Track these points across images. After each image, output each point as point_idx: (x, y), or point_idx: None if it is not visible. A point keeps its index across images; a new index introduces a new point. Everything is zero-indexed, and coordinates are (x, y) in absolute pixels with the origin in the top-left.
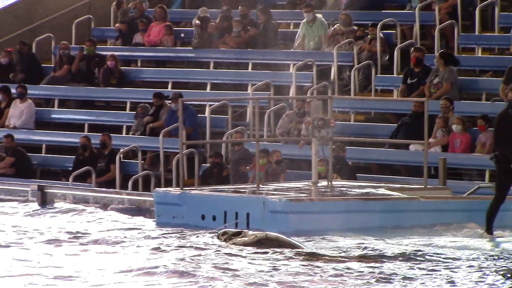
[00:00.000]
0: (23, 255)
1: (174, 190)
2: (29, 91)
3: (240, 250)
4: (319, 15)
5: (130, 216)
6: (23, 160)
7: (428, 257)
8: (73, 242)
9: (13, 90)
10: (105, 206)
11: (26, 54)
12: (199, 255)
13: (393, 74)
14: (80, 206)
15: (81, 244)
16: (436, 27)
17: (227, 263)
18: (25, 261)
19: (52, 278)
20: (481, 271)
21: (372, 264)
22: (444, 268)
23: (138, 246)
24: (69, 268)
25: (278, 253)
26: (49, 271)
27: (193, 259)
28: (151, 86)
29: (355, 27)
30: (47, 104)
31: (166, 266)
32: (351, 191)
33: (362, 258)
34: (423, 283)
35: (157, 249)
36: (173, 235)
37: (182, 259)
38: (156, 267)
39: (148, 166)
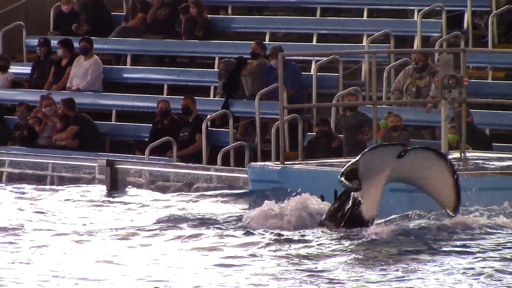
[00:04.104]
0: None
1: (273, 165)
2: (95, 45)
3: None
4: None
5: (219, 197)
6: (88, 130)
7: None
8: (146, 231)
9: (76, 45)
10: (189, 185)
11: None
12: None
13: None
14: (160, 184)
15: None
16: None
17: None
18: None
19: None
20: None
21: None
22: None
23: (226, 234)
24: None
25: None
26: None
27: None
28: (244, 38)
29: None
30: (118, 61)
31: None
32: (488, 164)
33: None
34: None
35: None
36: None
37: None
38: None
39: (241, 136)
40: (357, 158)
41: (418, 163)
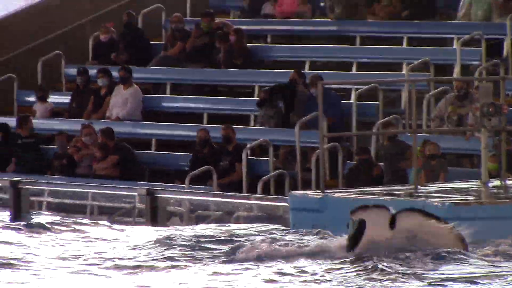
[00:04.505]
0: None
1: (313, 193)
2: (134, 75)
3: None
4: None
5: (259, 226)
6: (128, 159)
7: None
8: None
9: (115, 74)
10: (229, 213)
11: (133, 29)
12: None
13: None
14: (201, 213)
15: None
16: None
17: None
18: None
19: None
20: None
21: None
22: None
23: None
24: None
25: None
26: None
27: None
28: (283, 66)
29: None
30: (157, 90)
31: None
32: None
33: None
34: None
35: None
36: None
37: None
38: None
39: (281, 165)
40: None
41: (412, 231)
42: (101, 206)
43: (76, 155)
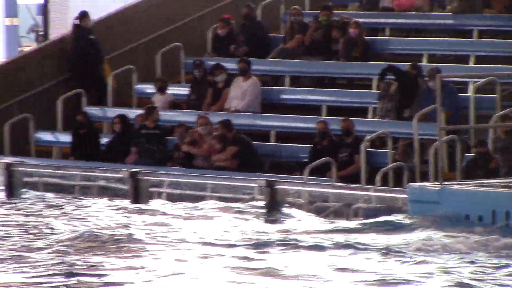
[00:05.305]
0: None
1: (431, 185)
2: (253, 67)
3: None
4: None
5: (378, 217)
6: (247, 151)
7: None
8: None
9: (233, 66)
10: (347, 205)
11: (252, 21)
12: None
13: None
14: (320, 204)
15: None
16: None
17: None
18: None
19: None
20: None
21: None
22: None
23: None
24: None
25: None
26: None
27: None
28: (402, 59)
29: None
30: (276, 82)
31: None
32: None
33: None
34: None
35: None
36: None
37: None
38: None
39: (400, 157)
40: None
41: None
42: (220, 197)
43: (191, 148)
